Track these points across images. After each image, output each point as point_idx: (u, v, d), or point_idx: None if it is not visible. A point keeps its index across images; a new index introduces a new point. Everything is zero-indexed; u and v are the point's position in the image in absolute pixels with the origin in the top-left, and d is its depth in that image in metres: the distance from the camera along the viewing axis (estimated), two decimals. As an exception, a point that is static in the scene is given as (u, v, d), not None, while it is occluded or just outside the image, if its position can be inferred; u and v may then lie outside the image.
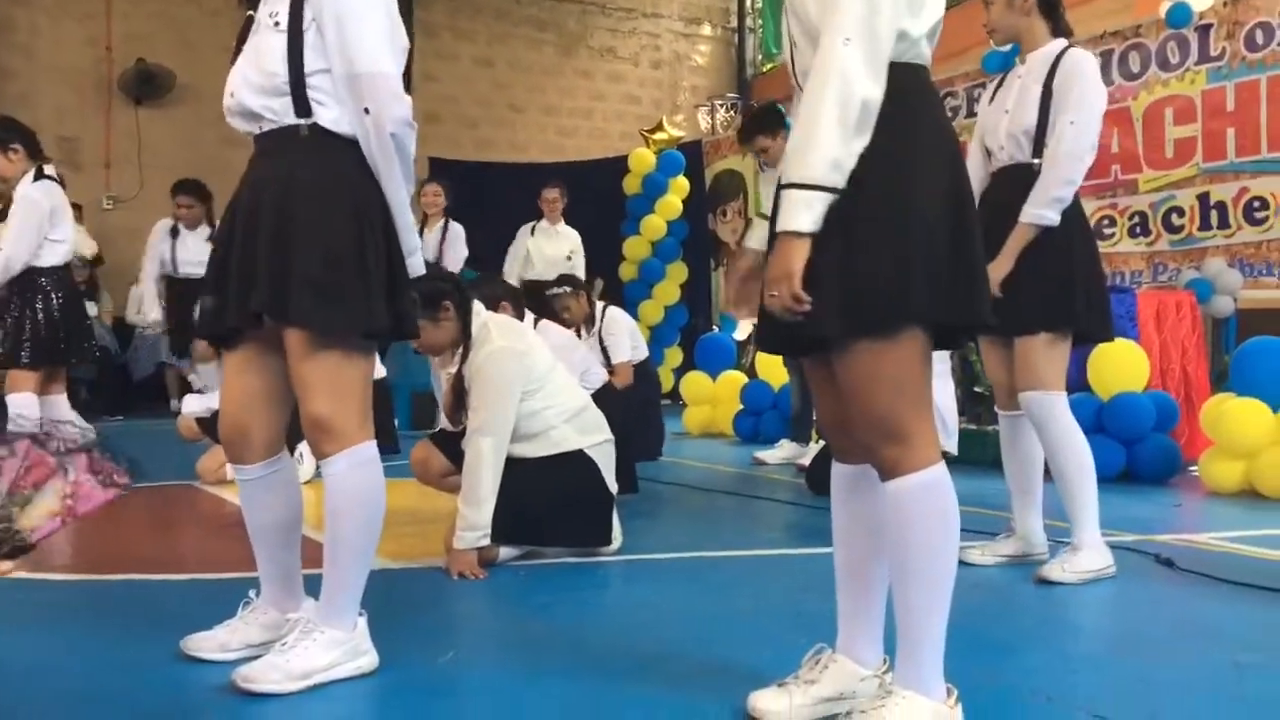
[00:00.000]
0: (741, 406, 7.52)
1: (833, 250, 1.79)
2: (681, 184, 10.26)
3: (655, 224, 10.12)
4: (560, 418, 3.53)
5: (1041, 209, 3.13)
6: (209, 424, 5.50)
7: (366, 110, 2.22)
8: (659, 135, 10.50)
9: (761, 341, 2.07)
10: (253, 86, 2.28)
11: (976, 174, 3.32)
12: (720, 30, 14.41)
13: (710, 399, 8.00)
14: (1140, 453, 5.25)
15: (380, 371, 5.39)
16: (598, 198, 10.48)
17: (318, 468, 4.27)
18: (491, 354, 3.40)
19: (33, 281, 4.53)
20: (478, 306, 3.56)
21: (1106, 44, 7.43)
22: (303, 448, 4.89)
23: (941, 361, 4.72)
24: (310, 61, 2.24)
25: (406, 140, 2.28)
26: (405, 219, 2.35)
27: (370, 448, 2.31)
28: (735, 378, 7.82)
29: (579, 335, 6.12)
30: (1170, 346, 5.83)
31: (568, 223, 8.18)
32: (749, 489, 5.22)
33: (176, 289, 6.86)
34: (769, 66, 13.76)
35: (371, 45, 2.21)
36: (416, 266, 2.42)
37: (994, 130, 3.32)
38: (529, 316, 4.57)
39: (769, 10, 13.70)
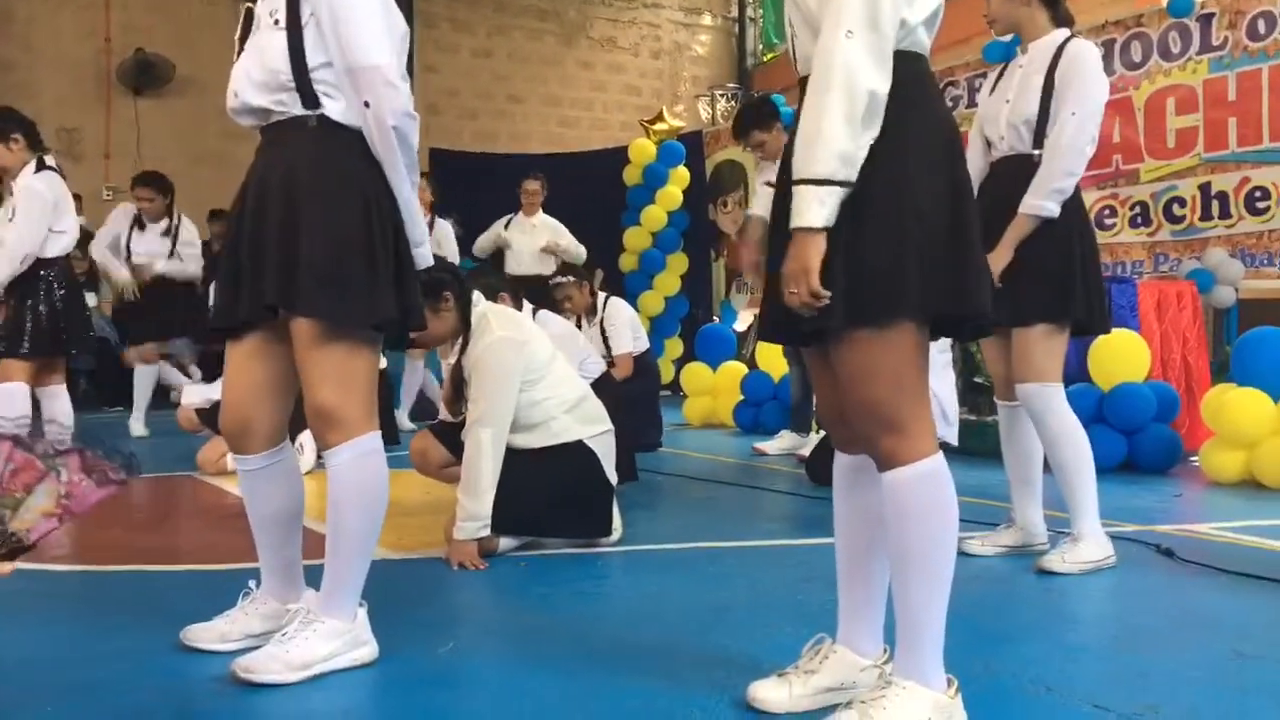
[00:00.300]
0: (742, 397, 7.51)
1: (830, 241, 1.79)
2: (682, 174, 10.24)
3: (655, 214, 10.10)
4: (560, 408, 3.53)
5: (1041, 200, 3.12)
6: (208, 415, 5.50)
7: (367, 103, 2.22)
8: (659, 126, 10.47)
9: (762, 331, 2.07)
10: (257, 85, 2.28)
11: (976, 164, 3.31)
12: (721, 20, 14.37)
13: (710, 390, 7.99)
14: (1141, 443, 5.24)
15: (381, 363, 5.39)
16: (598, 188, 10.46)
17: (318, 458, 4.28)
18: (491, 344, 3.40)
19: (34, 272, 4.51)
20: (477, 297, 3.55)
21: (1108, 33, 7.41)
22: (303, 438, 4.90)
23: (943, 352, 4.72)
24: (312, 56, 2.24)
25: (408, 131, 2.28)
26: (411, 210, 2.35)
27: (374, 439, 2.32)
28: (735, 368, 7.82)
29: (580, 326, 6.12)
30: (1171, 337, 5.83)
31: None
32: (749, 480, 5.22)
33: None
34: (770, 56, 13.73)
35: (367, 38, 2.21)
36: (424, 258, 2.42)
37: (994, 120, 3.31)
38: (527, 307, 4.57)
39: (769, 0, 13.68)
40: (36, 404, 4.71)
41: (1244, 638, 2.52)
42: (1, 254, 4.44)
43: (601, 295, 6.48)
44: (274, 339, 2.33)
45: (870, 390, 1.83)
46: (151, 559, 3.45)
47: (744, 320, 9.96)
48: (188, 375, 7.90)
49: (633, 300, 8.49)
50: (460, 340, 3.50)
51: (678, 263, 10.31)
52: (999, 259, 3.10)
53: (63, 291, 4.54)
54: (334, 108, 2.26)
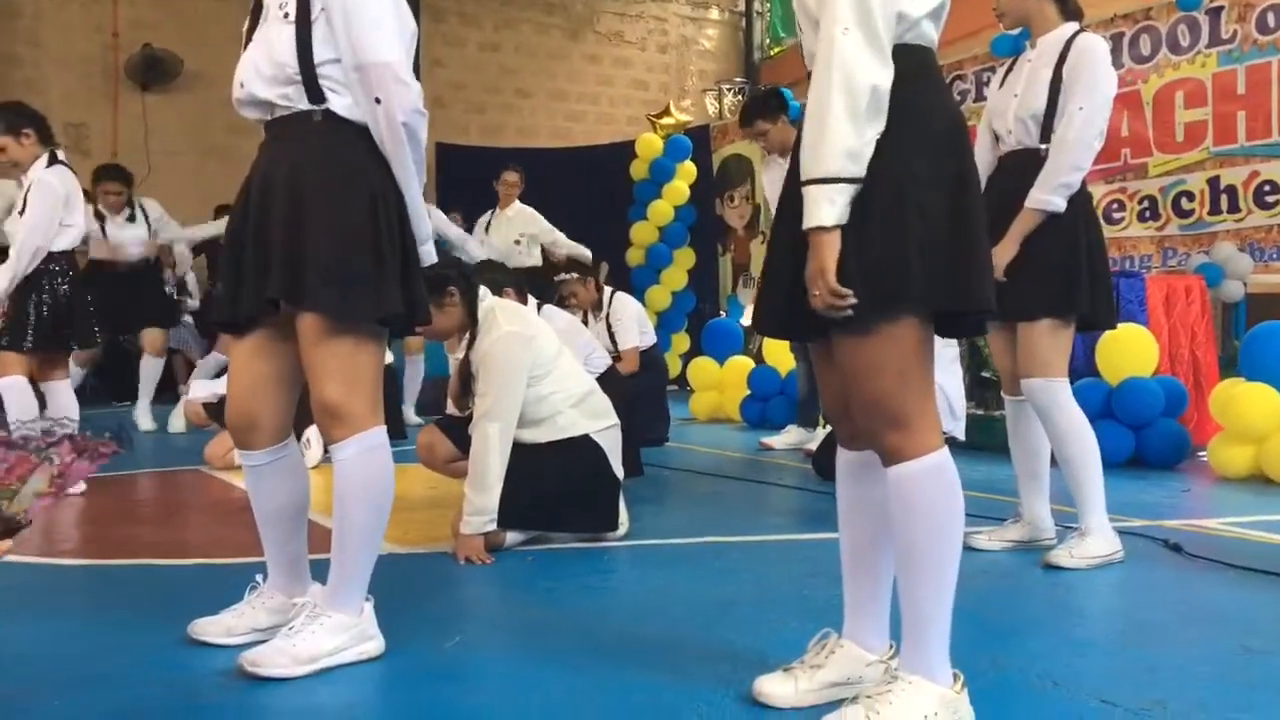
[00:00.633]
0: (749, 392, 7.51)
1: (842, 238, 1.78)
2: (689, 169, 10.22)
3: (662, 209, 10.09)
4: (567, 403, 3.53)
5: (1047, 195, 3.11)
6: (215, 409, 5.51)
7: (378, 100, 2.22)
8: (666, 120, 10.45)
9: (758, 324, 2.06)
10: (264, 77, 2.28)
11: (984, 158, 3.30)
12: (728, 14, 14.34)
13: (717, 384, 7.99)
14: (1149, 438, 5.23)
15: (388, 358, 5.39)
16: (605, 183, 10.45)
17: (325, 453, 4.28)
18: (498, 339, 3.40)
19: (40, 266, 4.51)
20: (483, 292, 3.55)
21: (1117, 27, 7.38)
22: (309, 433, 4.91)
23: (949, 347, 4.71)
24: (320, 52, 2.24)
25: (418, 128, 2.28)
26: (418, 206, 2.35)
27: (380, 433, 2.32)
28: (742, 363, 7.81)
29: (586, 321, 6.12)
30: (1179, 331, 5.81)
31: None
32: (756, 474, 5.22)
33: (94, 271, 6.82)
34: (777, 50, 13.69)
35: (378, 35, 2.21)
36: (429, 255, 2.42)
37: (1002, 114, 3.30)
38: (532, 301, 4.57)
39: (777, -7, 13.65)
40: (42, 399, 4.71)
41: (1252, 633, 2.52)
42: (12, 249, 4.45)
43: (608, 290, 6.48)
44: (279, 334, 2.33)
45: (874, 385, 1.82)
46: (158, 553, 3.46)
47: (750, 315, 9.94)
48: (193, 368, 7.91)
49: (639, 295, 8.50)
50: (467, 335, 3.50)
51: (684, 257, 10.30)
52: (1004, 253, 3.09)
53: (66, 286, 4.53)
54: (339, 103, 2.26)
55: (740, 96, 12.34)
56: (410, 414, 7.31)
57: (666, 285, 10.21)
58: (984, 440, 5.47)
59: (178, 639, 2.43)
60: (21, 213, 4.48)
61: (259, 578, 2.51)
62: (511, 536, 3.46)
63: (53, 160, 4.56)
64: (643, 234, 10.19)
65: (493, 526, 3.34)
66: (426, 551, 3.45)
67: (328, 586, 2.34)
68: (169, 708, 2.07)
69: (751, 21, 14.24)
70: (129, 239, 7.01)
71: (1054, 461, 3.31)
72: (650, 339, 6.53)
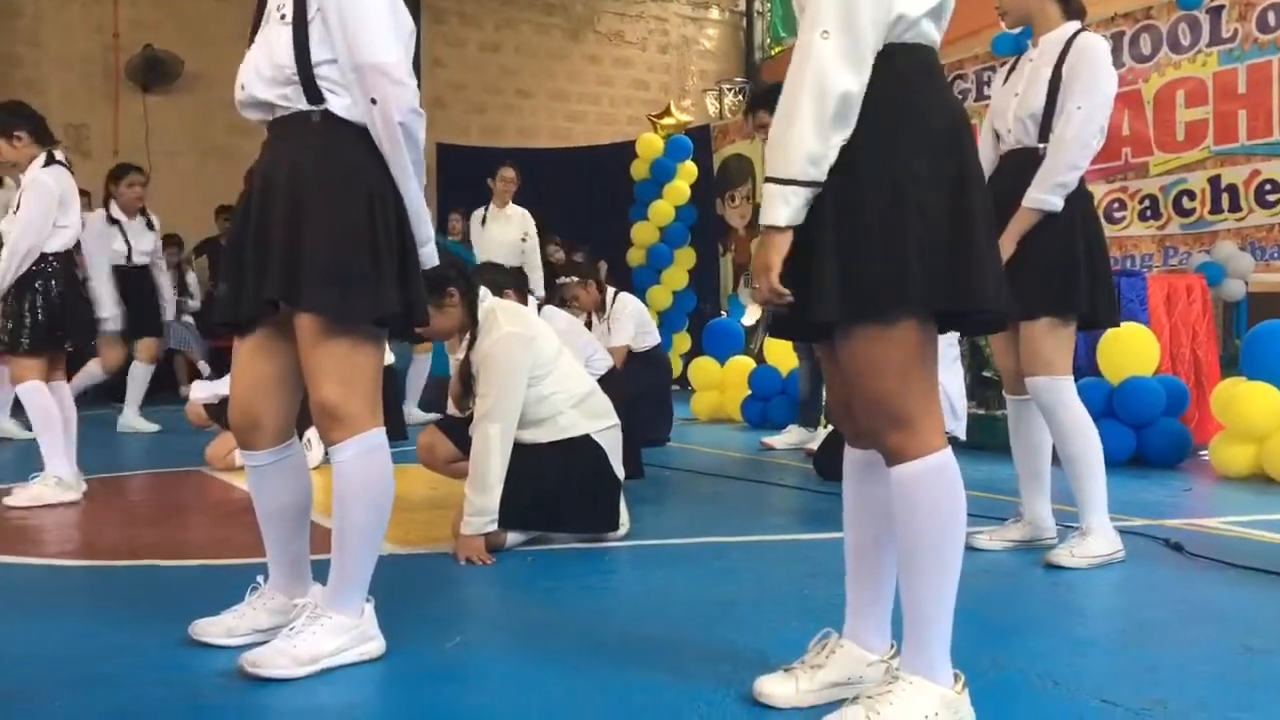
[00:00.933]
0: (750, 392, 7.51)
1: (832, 235, 1.79)
2: (689, 169, 10.23)
3: (663, 209, 10.10)
4: (567, 403, 3.53)
5: (1044, 194, 3.10)
6: (217, 410, 5.51)
7: (374, 100, 2.22)
8: (667, 120, 10.45)
9: (772, 327, 2.07)
10: (264, 79, 2.28)
11: (987, 157, 3.30)
12: (728, 14, 14.34)
13: (718, 384, 7.99)
14: (1150, 437, 5.23)
15: (389, 358, 5.40)
16: (605, 183, 10.46)
17: (326, 453, 4.29)
18: (499, 340, 3.40)
19: (35, 267, 4.50)
20: (484, 293, 3.55)
21: (1117, 26, 7.38)
22: (311, 434, 4.91)
23: (951, 346, 4.71)
24: (317, 52, 2.24)
25: (415, 128, 2.27)
26: (418, 207, 2.35)
27: (379, 434, 2.31)
28: (743, 363, 7.81)
29: (590, 323, 6.12)
30: (1180, 330, 5.81)
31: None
32: (757, 474, 5.21)
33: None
34: (778, 50, 13.69)
35: (374, 35, 2.20)
36: (430, 257, 2.41)
37: (1003, 113, 3.30)
38: (533, 302, 4.57)
39: (777, -7, 13.65)
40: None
41: (1253, 632, 2.51)
42: (5, 250, 4.44)
43: (610, 290, 6.48)
44: (280, 335, 2.33)
45: (876, 385, 1.82)
46: (159, 554, 3.46)
47: (752, 315, 9.95)
48: (197, 370, 7.92)
49: (640, 295, 8.49)
50: (467, 336, 3.50)
51: (685, 257, 10.31)
52: (1001, 251, 3.08)
53: (62, 287, 4.51)
54: (338, 103, 2.26)
55: (741, 96, 12.35)
56: (414, 411, 7.31)
57: (667, 285, 10.22)
58: (985, 440, 5.47)
59: (178, 639, 2.42)
60: (17, 212, 4.47)
61: (260, 578, 2.51)
62: (512, 537, 3.46)
63: (50, 160, 4.55)
64: (643, 234, 10.19)
65: (493, 527, 3.33)
66: (427, 552, 3.45)
67: (328, 587, 2.34)
68: (169, 708, 2.07)
69: (752, 21, 14.25)
70: (146, 244, 7.00)
71: (1055, 460, 3.31)
72: (653, 339, 6.53)
